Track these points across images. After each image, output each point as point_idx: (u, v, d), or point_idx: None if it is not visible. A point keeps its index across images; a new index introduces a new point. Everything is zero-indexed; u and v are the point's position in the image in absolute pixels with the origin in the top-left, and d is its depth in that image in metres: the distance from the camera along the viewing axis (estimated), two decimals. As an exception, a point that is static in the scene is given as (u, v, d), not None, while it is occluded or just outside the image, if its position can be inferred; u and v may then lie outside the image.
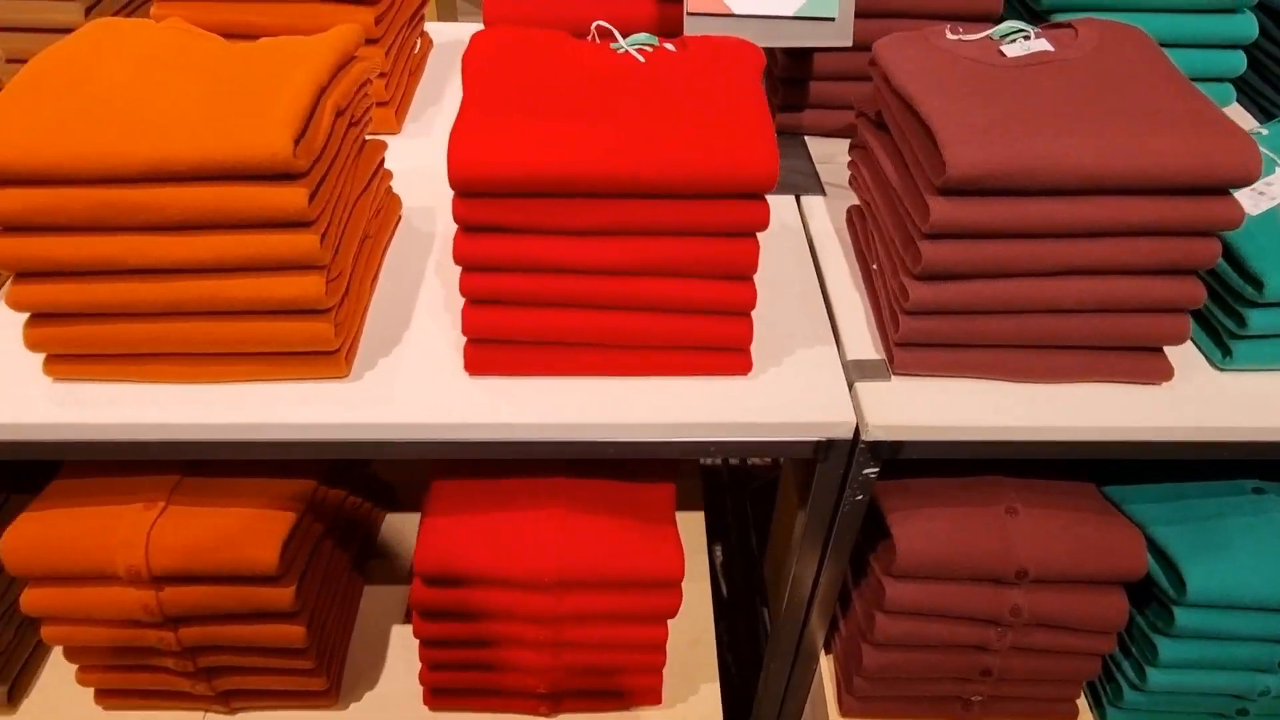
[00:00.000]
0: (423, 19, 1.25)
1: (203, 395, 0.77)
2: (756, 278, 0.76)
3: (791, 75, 1.09)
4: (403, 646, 1.07)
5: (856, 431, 0.79)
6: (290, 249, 0.71)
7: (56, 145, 0.66)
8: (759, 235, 0.74)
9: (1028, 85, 0.79)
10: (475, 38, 0.83)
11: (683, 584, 0.90)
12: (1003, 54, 0.84)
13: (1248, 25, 1.07)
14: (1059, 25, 0.88)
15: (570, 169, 0.66)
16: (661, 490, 0.94)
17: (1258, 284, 0.79)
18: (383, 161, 0.90)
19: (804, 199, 1.04)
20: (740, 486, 1.80)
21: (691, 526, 1.20)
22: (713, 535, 1.41)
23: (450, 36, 1.35)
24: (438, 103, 1.20)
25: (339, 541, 1.00)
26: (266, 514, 0.85)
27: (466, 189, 0.68)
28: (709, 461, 1.77)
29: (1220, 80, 1.11)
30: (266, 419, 0.76)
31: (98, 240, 0.69)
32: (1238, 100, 1.16)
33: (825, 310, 0.89)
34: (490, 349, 0.78)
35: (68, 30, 0.98)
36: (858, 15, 0.98)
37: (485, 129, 0.68)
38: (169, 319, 0.74)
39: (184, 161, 0.66)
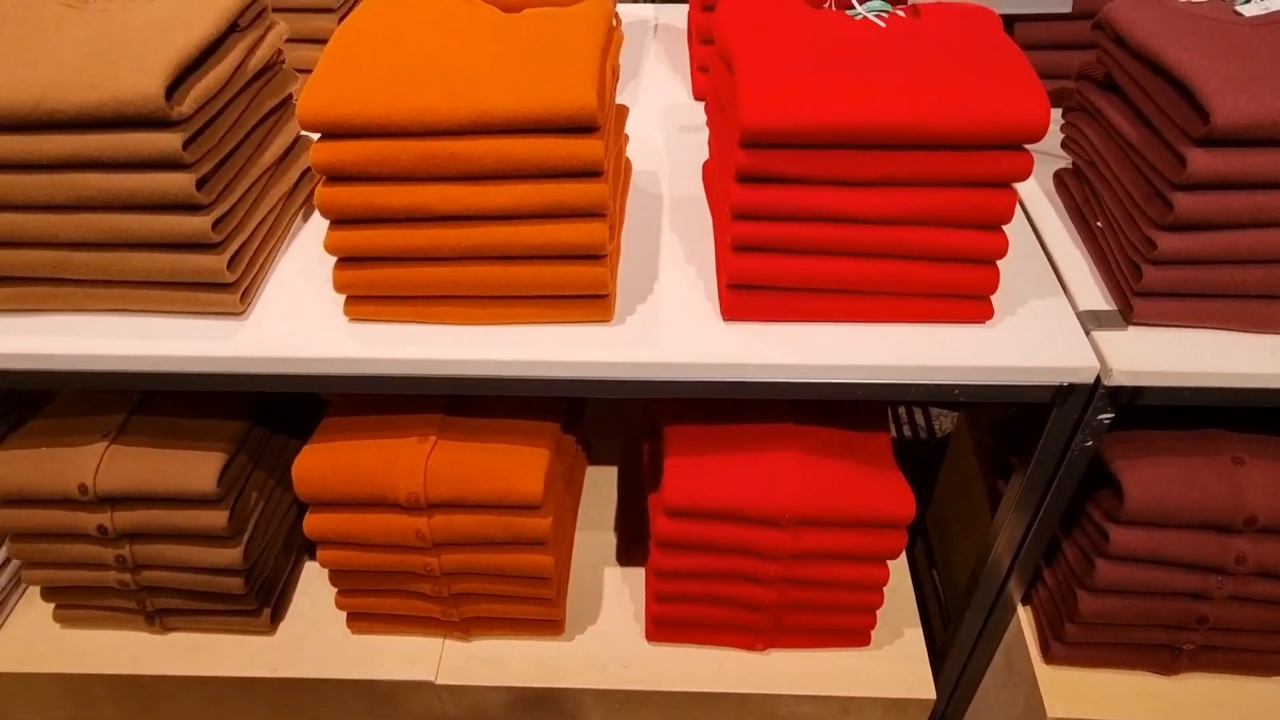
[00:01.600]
0: (616, -2, 1.31)
1: (481, 336, 0.84)
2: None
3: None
4: (612, 587, 1.13)
5: (1098, 377, 0.83)
6: (583, 197, 0.77)
7: (387, 101, 0.73)
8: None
9: (1274, 41, 0.82)
10: (725, 5, 0.89)
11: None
12: (1239, 13, 0.87)
13: None
14: (1292, -14, 0.89)
15: (864, 120, 0.71)
16: (880, 438, 0.98)
17: None
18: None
19: (1009, 163, 1.07)
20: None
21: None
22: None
23: (635, 16, 1.41)
24: (636, 76, 1.26)
25: (566, 486, 1.07)
26: (526, 449, 0.92)
27: (761, 140, 0.73)
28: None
29: None
30: (544, 357, 0.83)
31: (416, 189, 0.76)
32: None
33: (1048, 264, 0.93)
34: (748, 295, 0.83)
35: (321, 9, 1.08)
36: (1071, -17, 1.01)
37: (776, 84, 0.73)
38: (464, 263, 0.81)
39: (502, 115, 0.73)
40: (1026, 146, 0.76)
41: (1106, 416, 0.86)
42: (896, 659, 1.06)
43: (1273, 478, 0.90)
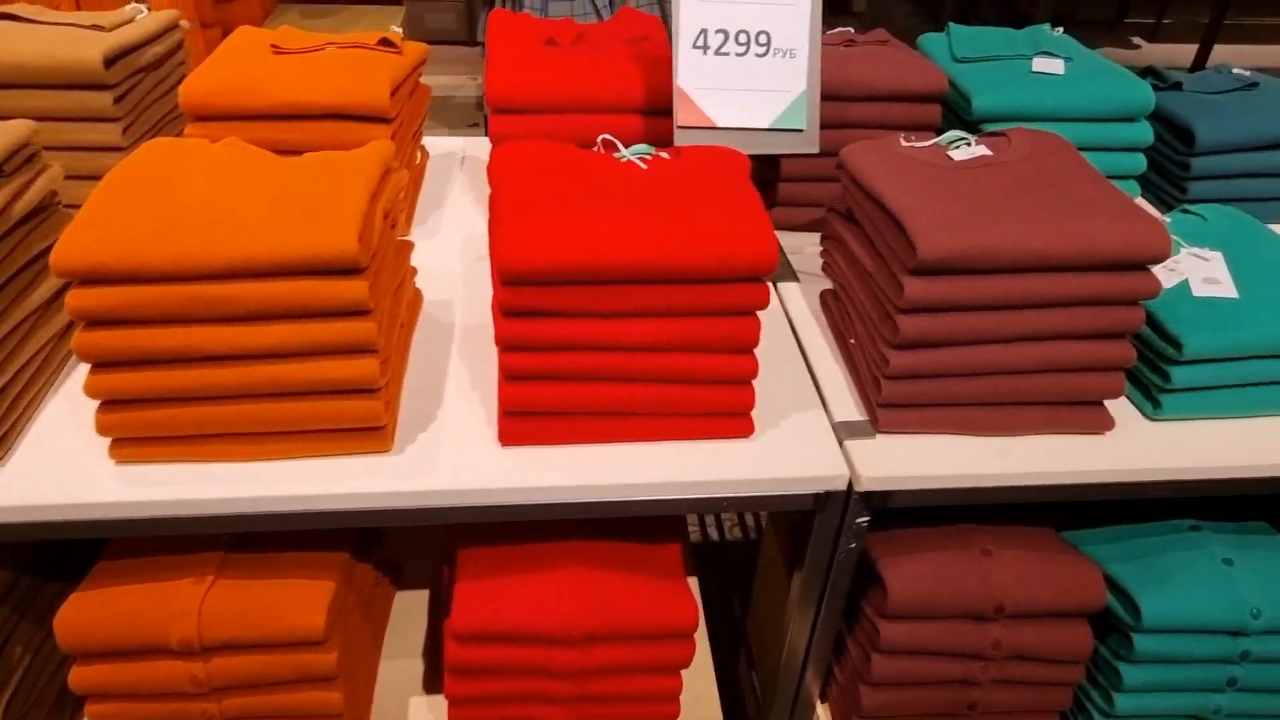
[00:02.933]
0: (421, 134, 1.37)
1: (256, 472, 0.84)
2: (750, 353, 0.87)
3: (761, 178, 1.23)
4: (418, 717, 1.11)
5: (850, 484, 0.90)
6: (351, 335, 0.79)
7: (149, 247, 0.75)
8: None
9: (976, 183, 0.94)
10: (498, 150, 0.95)
11: (688, 640, 0.98)
12: (950, 158, 0.99)
13: (1145, 131, 1.26)
14: (995, 134, 1.03)
15: (606, 260, 0.77)
16: (670, 550, 1.02)
17: (1177, 345, 0.93)
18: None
19: (780, 285, 1.16)
20: (719, 558, 1.90)
21: (686, 592, 1.28)
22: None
23: (444, 149, 1.47)
24: (440, 207, 1.30)
25: (364, 615, 1.05)
26: (309, 584, 0.91)
27: (514, 279, 0.78)
28: (693, 535, 1.86)
29: (1126, 178, 1.29)
30: (320, 491, 0.83)
31: (181, 331, 0.77)
32: (1142, 194, 1.34)
33: (810, 379, 1.01)
34: (523, 421, 0.87)
35: (110, 148, 1.09)
36: (821, 127, 1.13)
37: (527, 227, 0.79)
38: (235, 402, 0.81)
39: (263, 260, 0.75)
40: (767, 278, 0.83)
41: (863, 520, 0.92)
42: (701, 769, 1.08)
43: (1016, 566, 0.98)
